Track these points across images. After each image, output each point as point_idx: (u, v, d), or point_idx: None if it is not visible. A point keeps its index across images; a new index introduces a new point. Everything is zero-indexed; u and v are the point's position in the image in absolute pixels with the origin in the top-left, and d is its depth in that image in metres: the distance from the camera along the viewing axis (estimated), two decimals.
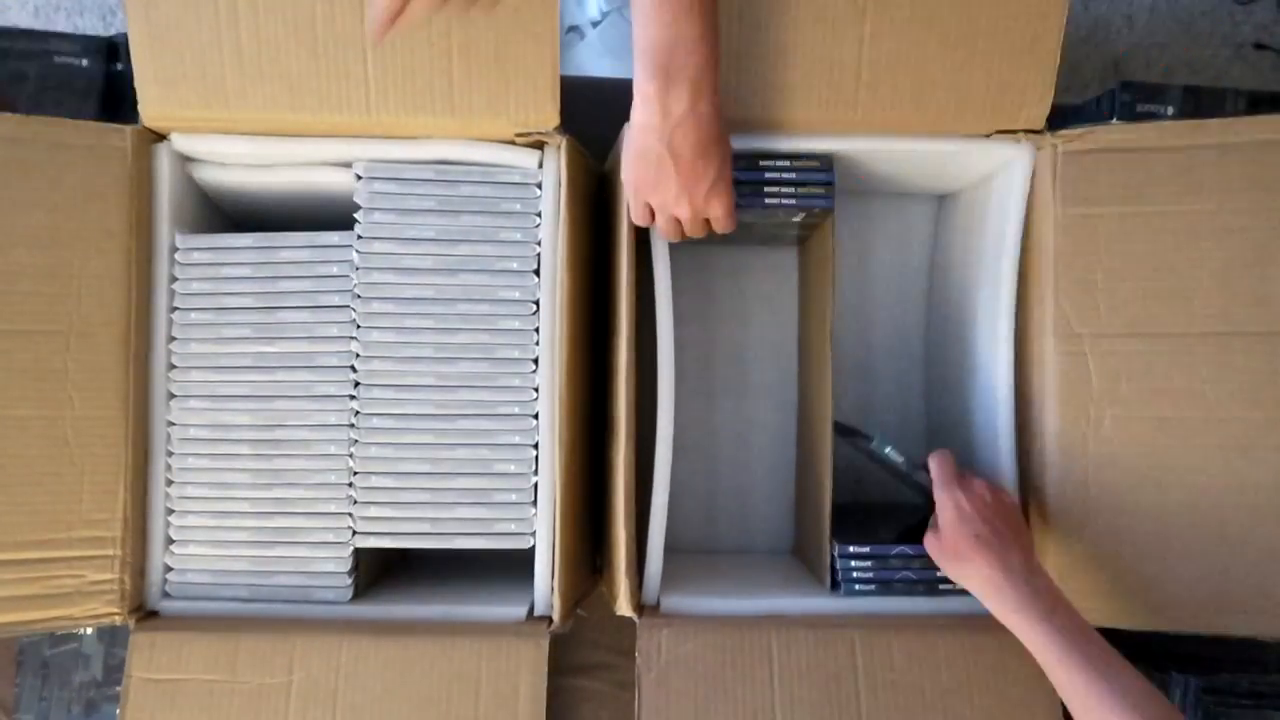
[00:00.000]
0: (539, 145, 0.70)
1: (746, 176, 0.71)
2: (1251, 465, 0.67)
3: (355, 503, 0.70)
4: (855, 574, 0.71)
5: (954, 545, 0.66)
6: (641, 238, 0.71)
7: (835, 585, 0.72)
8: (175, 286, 0.71)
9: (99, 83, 0.87)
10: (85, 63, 0.87)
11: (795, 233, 0.83)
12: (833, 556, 0.72)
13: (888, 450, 0.73)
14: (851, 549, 0.71)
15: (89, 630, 0.86)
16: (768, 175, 0.71)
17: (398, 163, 0.70)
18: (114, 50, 0.88)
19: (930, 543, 0.69)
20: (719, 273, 0.89)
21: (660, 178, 0.62)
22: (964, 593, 0.71)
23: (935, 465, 0.70)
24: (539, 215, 0.70)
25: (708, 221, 0.66)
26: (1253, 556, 0.67)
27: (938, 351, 0.88)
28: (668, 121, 0.59)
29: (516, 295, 0.70)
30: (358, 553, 0.71)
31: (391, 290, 0.69)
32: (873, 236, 0.90)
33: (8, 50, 0.86)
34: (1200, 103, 0.88)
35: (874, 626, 0.67)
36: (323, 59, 0.67)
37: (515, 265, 0.70)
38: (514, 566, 0.77)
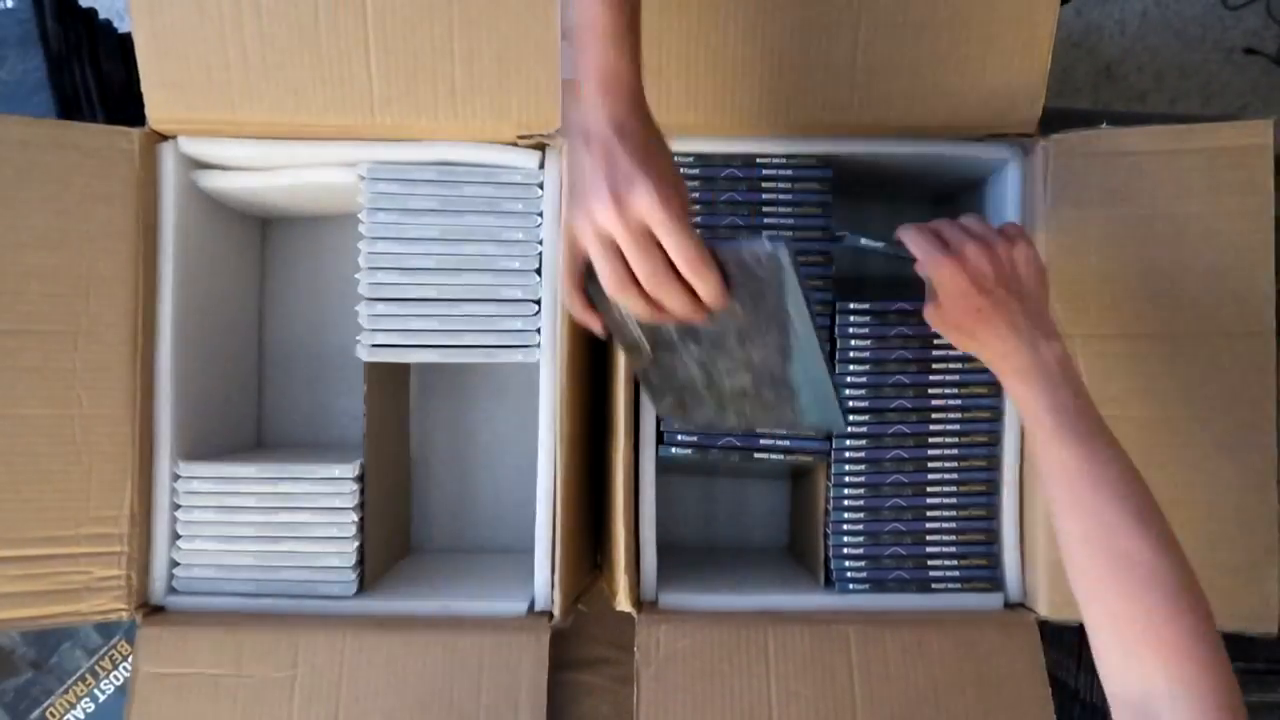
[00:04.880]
0: (540, 146, 0.71)
1: (744, 174, 0.72)
2: (1238, 464, 0.68)
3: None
4: (849, 572, 0.72)
5: (955, 320, 0.61)
6: None
7: (829, 582, 0.73)
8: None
9: (31, 26, 0.76)
10: (10, 3, 0.76)
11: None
12: (827, 555, 0.73)
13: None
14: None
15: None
16: (764, 172, 0.72)
17: (401, 164, 0.71)
18: None
19: (931, 315, 0.64)
20: None
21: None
22: (956, 591, 0.72)
23: (911, 241, 0.62)
24: (540, 215, 0.71)
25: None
26: (1240, 554, 0.68)
27: None
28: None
29: (519, 294, 0.71)
30: (362, 548, 0.72)
31: (395, 290, 0.70)
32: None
33: None
34: None
35: (869, 622, 0.68)
36: (326, 62, 0.68)
37: (517, 265, 0.71)
38: (515, 563, 0.78)
